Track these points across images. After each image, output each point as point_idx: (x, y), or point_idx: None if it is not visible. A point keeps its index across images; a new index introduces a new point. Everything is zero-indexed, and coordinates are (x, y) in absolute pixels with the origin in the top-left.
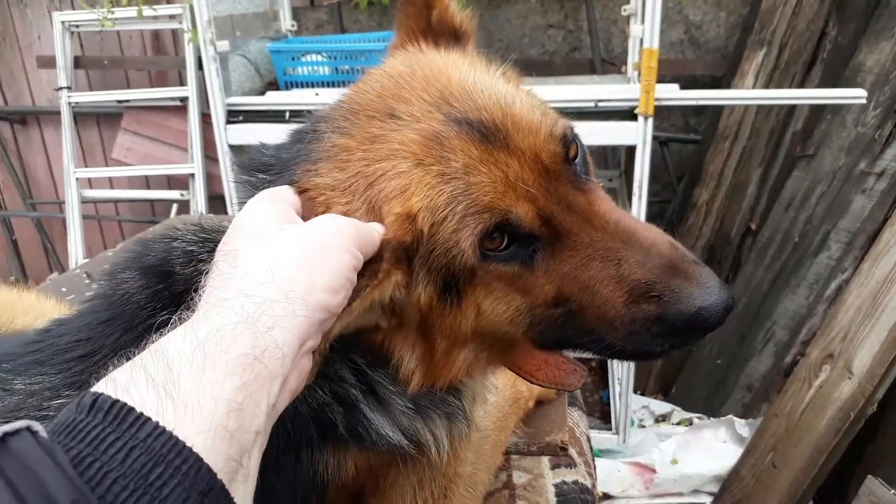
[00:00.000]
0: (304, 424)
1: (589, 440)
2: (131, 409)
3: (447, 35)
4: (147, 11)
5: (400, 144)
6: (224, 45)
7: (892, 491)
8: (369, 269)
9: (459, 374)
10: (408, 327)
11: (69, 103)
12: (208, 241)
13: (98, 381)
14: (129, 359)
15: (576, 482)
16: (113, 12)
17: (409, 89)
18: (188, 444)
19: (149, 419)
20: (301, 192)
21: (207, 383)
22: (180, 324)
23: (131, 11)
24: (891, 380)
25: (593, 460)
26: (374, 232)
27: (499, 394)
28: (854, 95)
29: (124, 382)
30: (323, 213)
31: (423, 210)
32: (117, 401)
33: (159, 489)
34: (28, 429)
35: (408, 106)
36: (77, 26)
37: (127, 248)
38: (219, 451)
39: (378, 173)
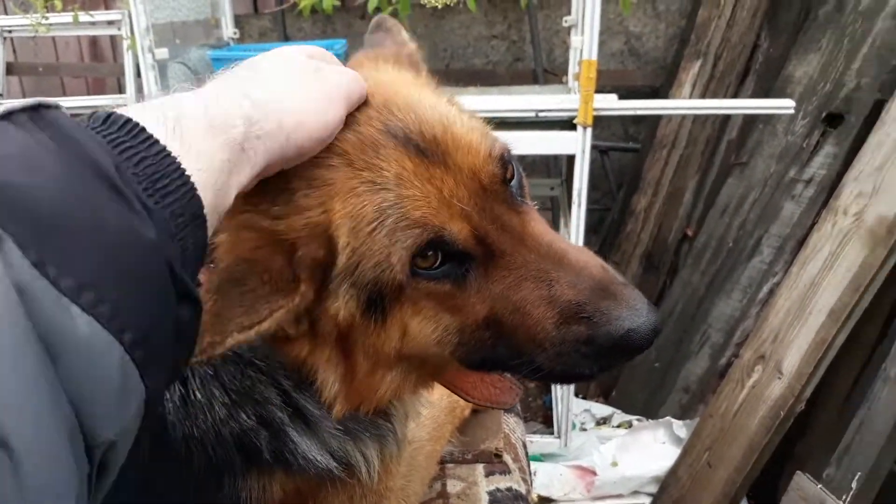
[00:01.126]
0: (227, 450)
1: (525, 446)
2: (144, 129)
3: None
4: (84, 17)
5: (337, 141)
6: (163, 52)
7: (819, 486)
8: (285, 286)
9: (386, 396)
10: (326, 343)
11: None
12: None
13: None
14: None
15: (509, 489)
16: (47, 17)
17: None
18: (187, 173)
19: (157, 141)
20: None
21: (208, 143)
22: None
23: (67, 17)
24: (818, 379)
25: (529, 466)
26: (361, 87)
27: (435, 404)
28: (783, 106)
29: (137, 112)
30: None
31: (346, 217)
32: (131, 119)
33: (163, 196)
34: (58, 107)
35: (353, 113)
36: (10, 31)
37: None
38: (206, 197)
39: (308, 160)
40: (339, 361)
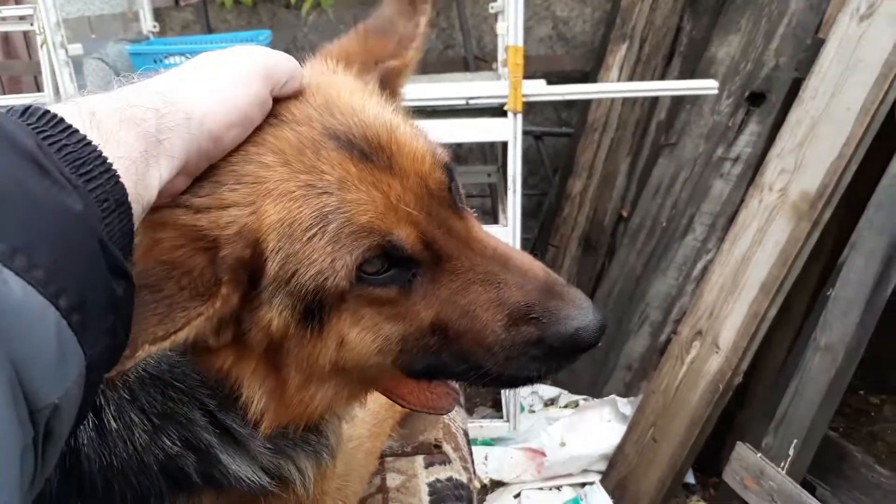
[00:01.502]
0: (152, 478)
1: (466, 434)
2: (62, 119)
3: (381, 82)
4: None
5: (273, 137)
6: (77, 48)
7: (759, 454)
8: (205, 290)
9: (317, 411)
10: (252, 355)
11: None
12: None
13: None
14: None
15: (450, 479)
16: None
17: (302, 95)
18: (109, 160)
19: (77, 130)
20: None
21: (123, 133)
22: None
23: None
24: (753, 351)
25: (471, 454)
26: (287, 62)
27: (375, 399)
28: (706, 86)
29: (54, 106)
30: None
31: (278, 222)
32: (49, 110)
33: (87, 181)
34: None
35: (291, 111)
36: None
37: None
38: (128, 184)
39: (239, 153)
40: (268, 374)
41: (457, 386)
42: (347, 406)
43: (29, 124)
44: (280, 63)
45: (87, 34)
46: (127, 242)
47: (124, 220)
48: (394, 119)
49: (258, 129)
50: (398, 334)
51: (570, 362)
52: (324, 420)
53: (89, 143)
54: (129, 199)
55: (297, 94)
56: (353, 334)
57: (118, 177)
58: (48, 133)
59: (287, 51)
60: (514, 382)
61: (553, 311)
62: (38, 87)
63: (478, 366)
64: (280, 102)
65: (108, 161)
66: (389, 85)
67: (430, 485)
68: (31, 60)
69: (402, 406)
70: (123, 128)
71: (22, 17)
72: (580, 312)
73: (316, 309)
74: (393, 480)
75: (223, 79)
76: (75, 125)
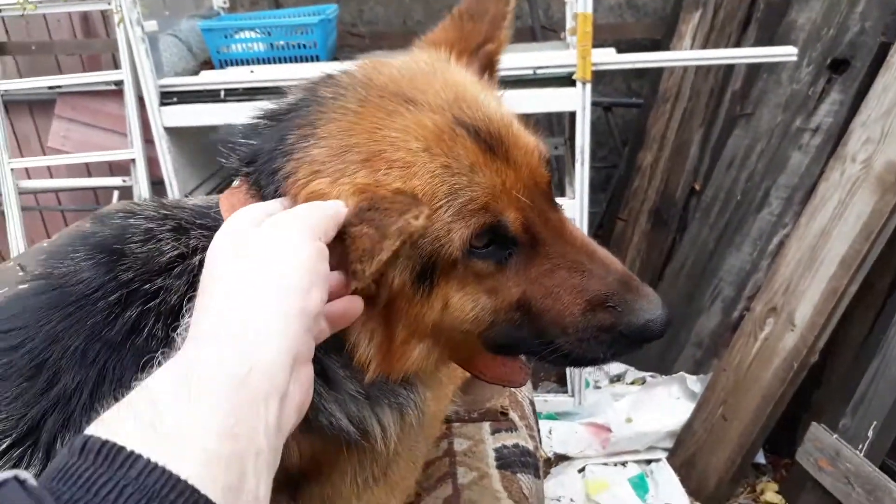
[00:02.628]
0: None
1: (532, 403)
2: (121, 449)
3: (481, 66)
4: None
5: (415, 124)
6: (152, 24)
7: (835, 436)
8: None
9: (413, 367)
10: (371, 308)
11: None
12: (169, 219)
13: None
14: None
15: (516, 445)
16: None
17: (427, 84)
18: (182, 476)
19: (140, 456)
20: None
21: (194, 414)
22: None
23: None
24: (831, 329)
25: (537, 423)
26: (334, 209)
27: None
28: (785, 53)
29: (114, 423)
30: (303, 192)
31: (423, 196)
32: (107, 441)
33: None
34: (16, 478)
35: (425, 96)
36: None
37: (65, 235)
38: (216, 480)
39: (387, 140)
40: (378, 328)
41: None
42: (436, 369)
43: (82, 475)
44: (321, 217)
45: (161, 11)
46: None
47: None
48: (508, 114)
49: (397, 112)
50: (492, 305)
51: (633, 350)
52: (415, 377)
53: (153, 468)
54: (219, 501)
55: (428, 84)
56: (457, 299)
57: (196, 492)
58: (105, 479)
59: (354, 24)
60: (581, 362)
61: (628, 302)
62: (116, 65)
63: (551, 343)
64: (413, 89)
65: (180, 481)
66: (489, 67)
67: (496, 450)
68: (109, 38)
69: (479, 378)
70: (194, 402)
71: None
72: (652, 306)
73: (429, 272)
74: (460, 445)
75: (274, 256)
76: (135, 441)
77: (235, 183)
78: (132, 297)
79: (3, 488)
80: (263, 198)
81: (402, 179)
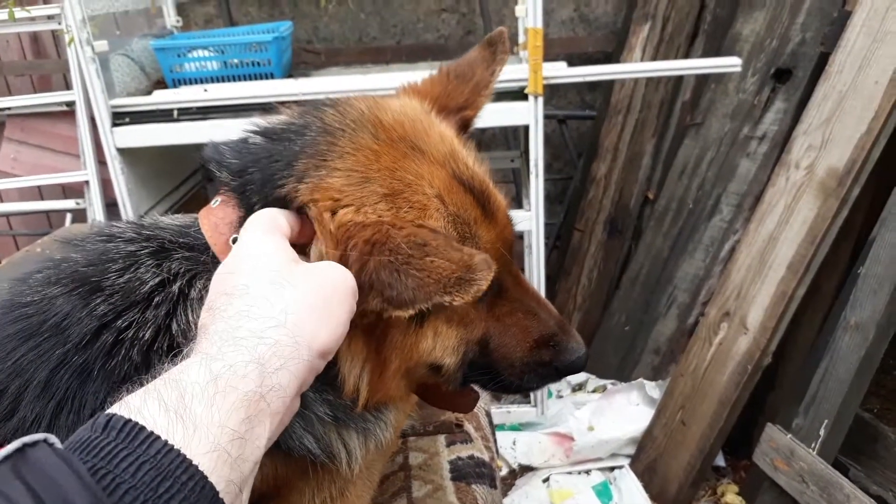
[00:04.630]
0: None
1: (488, 414)
2: (143, 428)
3: (455, 127)
4: (20, 13)
5: (428, 173)
6: (103, 44)
7: (789, 435)
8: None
9: (395, 396)
10: (369, 339)
11: None
12: (151, 240)
13: None
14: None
15: (471, 456)
16: None
17: (426, 134)
18: (195, 462)
19: (158, 437)
20: (299, 207)
21: (216, 412)
22: (187, 353)
23: (2, 14)
24: (782, 332)
25: (493, 434)
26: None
27: None
28: (730, 63)
29: (137, 405)
30: (328, 216)
31: None
32: (129, 420)
33: (167, 501)
34: (45, 440)
35: (427, 146)
36: None
37: (13, 261)
38: (221, 474)
39: (405, 182)
40: (370, 355)
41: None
42: (406, 398)
43: (104, 447)
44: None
45: (113, 31)
46: None
47: None
48: (487, 175)
49: (410, 157)
50: (465, 338)
51: (556, 381)
52: (385, 405)
53: (170, 449)
54: (222, 493)
55: (429, 136)
56: (444, 329)
57: (205, 479)
58: (126, 453)
59: (309, 41)
60: (518, 390)
61: (563, 342)
62: (68, 85)
63: (496, 375)
64: (419, 137)
65: (192, 465)
66: (462, 129)
67: (451, 462)
68: (60, 59)
69: (432, 405)
70: (217, 402)
71: (50, 17)
72: (580, 346)
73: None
74: (415, 459)
75: (325, 296)
76: (158, 425)
77: (215, 202)
78: (107, 328)
79: (34, 448)
80: (250, 214)
81: (420, 220)
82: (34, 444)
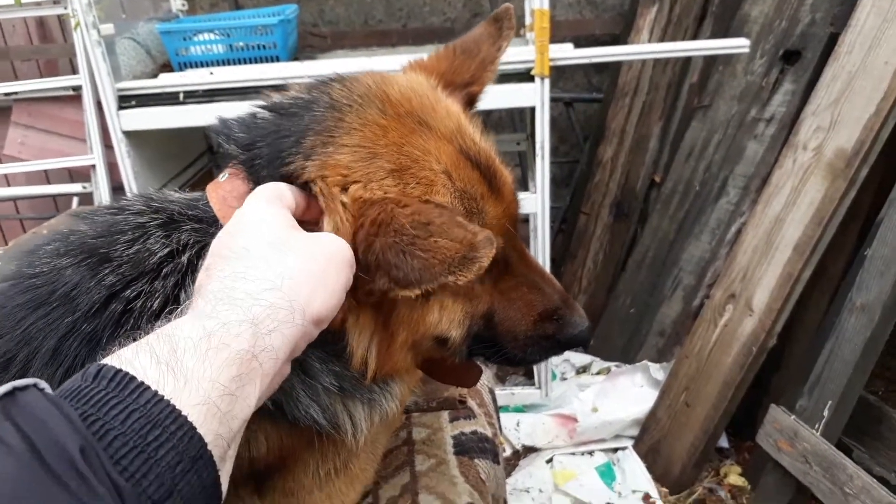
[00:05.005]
0: None
1: (492, 392)
2: (133, 378)
3: (461, 103)
4: None
5: (436, 148)
6: (109, 28)
7: (793, 416)
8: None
9: (403, 367)
10: (377, 313)
11: None
12: (160, 212)
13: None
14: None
15: (474, 432)
16: None
17: (433, 109)
18: (184, 413)
19: (148, 387)
20: (304, 184)
21: (208, 367)
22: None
23: None
24: (787, 314)
25: (497, 411)
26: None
27: None
28: (737, 45)
29: (129, 357)
30: (338, 191)
31: None
32: (120, 370)
33: (155, 450)
34: (35, 385)
35: (434, 121)
36: None
37: (20, 243)
38: (210, 427)
39: (412, 157)
40: (377, 329)
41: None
42: (411, 372)
43: (94, 395)
44: (350, 255)
45: (119, 14)
46: (210, 493)
47: (204, 474)
48: (494, 150)
49: (417, 133)
50: (470, 312)
51: (559, 354)
52: (391, 378)
53: (160, 399)
54: (210, 445)
55: (435, 111)
56: (450, 304)
57: (193, 430)
58: (116, 401)
59: (315, 24)
60: (521, 363)
61: (566, 316)
62: (74, 70)
63: (501, 348)
64: (425, 113)
65: (181, 416)
66: (467, 106)
67: (454, 437)
68: (67, 43)
69: (437, 380)
70: (209, 358)
71: (56, 1)
72: (583, 320)
73: None
74: (419, 434)
75: (323, 264)
76: (150, 376)
77: (223, 176)
78: (115, 297)
79: (24, 392)
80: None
81: (427, 196)
82: (24, 388)
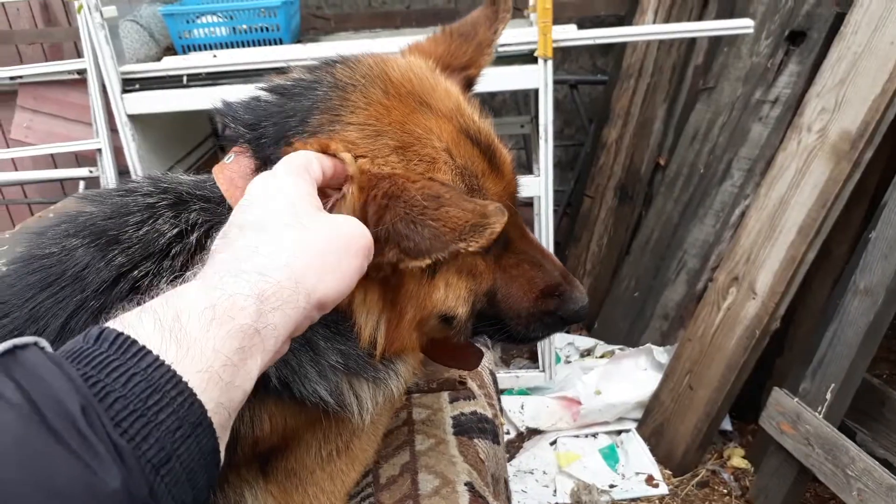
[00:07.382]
0: None
1: (493, 373)
2: (135, 342)
3: (459, 85)
4: None
5: (437, 127)
6: (111, 10)
7: (796, 399)
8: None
9: (409, 345)
10: (385, 291)
11: None
12: (168, 192)
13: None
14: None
15: (474, 412)
16: None
17: (433, 90)
18: (185, 379)
19: (150, 352)
20: (323, 150)
21: (211, 337)
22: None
23: None
24: (791, 296)
25: (497, 392)
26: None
27: None
28: (742, 25)
29: (132, 321)
30: (350, 158)
31: None
32: (122, 333)
33: (155, 414)
34: (36, 344)
35: (434, 101)
36: None
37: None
38: (211, 395)
39: (414, 135)
40: (385, 307)
41: (487, 342)
42: (416, 351)
43: (95, 357)
44: (367, 243)
45: None
46: (210, 460)
47: (203, 440)
48: (491, 128)
49: (418, 112)
50: (474, 289)
51: (561, 330)
52: (397, 357)
53: (161, 364)
54: (210, 413)
55: (435, 91)
56: (455, 280)
57: (194, 396)
58: (117, 364)
59: (318, 7)
60: (524, 340)
61: (567, 292)
62: (79, 53)
63: (503, 326)
64: (426, 94)
65: (182, 382)
66: (465, 88)
67: (454, 418)
68: (71, 27)
69: (438, 363)
70: (213, 328)
71: None
72: (582, 296)
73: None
74: (419, 414)
75: (337, 249)
76: (152, 341)
77: (229, 158)
78: (124, 277)
79: (24, 350)
80: (265, 166)
81: (429, 173)
82: (25, 346)
